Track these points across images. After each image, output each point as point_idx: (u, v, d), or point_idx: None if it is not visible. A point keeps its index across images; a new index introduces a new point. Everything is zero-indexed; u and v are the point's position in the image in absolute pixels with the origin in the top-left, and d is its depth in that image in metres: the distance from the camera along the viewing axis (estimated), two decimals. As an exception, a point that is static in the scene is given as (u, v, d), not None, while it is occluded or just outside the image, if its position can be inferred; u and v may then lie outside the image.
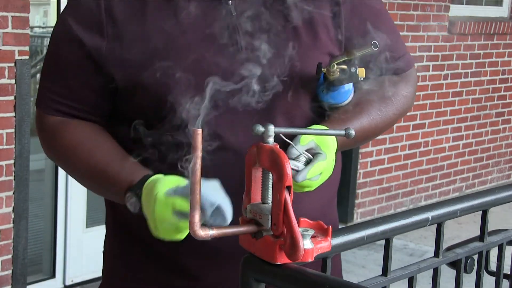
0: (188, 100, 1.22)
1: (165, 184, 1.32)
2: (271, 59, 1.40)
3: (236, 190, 1.26)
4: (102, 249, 1.65)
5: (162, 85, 1.41)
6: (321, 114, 1.53)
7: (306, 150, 1.40)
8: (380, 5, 1.63)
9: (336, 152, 1.47)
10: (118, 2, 1.44)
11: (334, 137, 1.44)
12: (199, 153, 1.10)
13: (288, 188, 1.09)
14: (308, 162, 1.40)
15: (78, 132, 1.49)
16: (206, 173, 1.35)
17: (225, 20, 1.44)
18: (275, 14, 1.46)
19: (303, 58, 1.46)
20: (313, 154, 1.41)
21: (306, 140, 1.40)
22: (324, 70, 1.46)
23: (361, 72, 1.46)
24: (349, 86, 1.51)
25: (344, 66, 1.45)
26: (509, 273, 1.81)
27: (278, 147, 1.13)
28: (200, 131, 1.10)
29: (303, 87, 1.49)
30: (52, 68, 1.51)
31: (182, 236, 1.33)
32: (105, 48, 1.43)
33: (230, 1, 1.45)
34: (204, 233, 1.13)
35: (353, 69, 1.45)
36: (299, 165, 1.39)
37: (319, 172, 1.39)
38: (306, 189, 1.41)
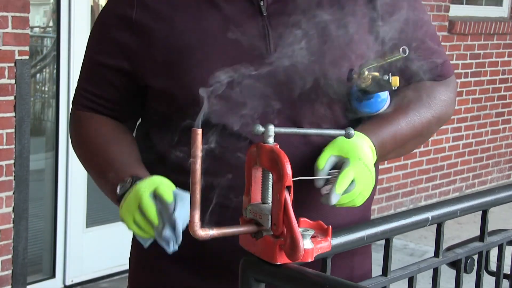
0: (213, 99, 1.21)
1: (152, 182, 1.34)
2: (301, 62, 1.36)
3: None
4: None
5: (188, 84, 1.41)
6: (353, 122, 1.47)
7: (332, 169, 1.35)
8: (421, 8, 1.55)
9: (375, 164, 1.41)
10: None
11: (368, 139, 1.39)
12: (198, 153, 1.10)
13: (288, 188, 1.09)
14: None
15: (96, 128, 1.53)
16: (232, 176, 1.36)
17: (255, 21, 1.42)
18: (307, 16, 1.41)
19: (335, 62, 1.40)
20: (340, 166, 1.35)
21: (323, 162, 1.35)
22: (355, 76, 1.39)
23: (395, 81, 1.37)
24: (385, 95, 1.44)
25: (376, 73, 1.38)
26: (509, 273, 1.81)
27: (278, 147, 1.13)
28: (200, 131, 1.10)
29: (334, 93, 1.42)
30: (84, 65, 1.58)
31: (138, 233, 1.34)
32: (134, 44, 1.46)
33: (262, 1, 1.43)
34: (204, 233, 1.13)
35: (385, 77, 1.37)
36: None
37: (349, 181, 1.33)
38: (351, 204, 1.36)
